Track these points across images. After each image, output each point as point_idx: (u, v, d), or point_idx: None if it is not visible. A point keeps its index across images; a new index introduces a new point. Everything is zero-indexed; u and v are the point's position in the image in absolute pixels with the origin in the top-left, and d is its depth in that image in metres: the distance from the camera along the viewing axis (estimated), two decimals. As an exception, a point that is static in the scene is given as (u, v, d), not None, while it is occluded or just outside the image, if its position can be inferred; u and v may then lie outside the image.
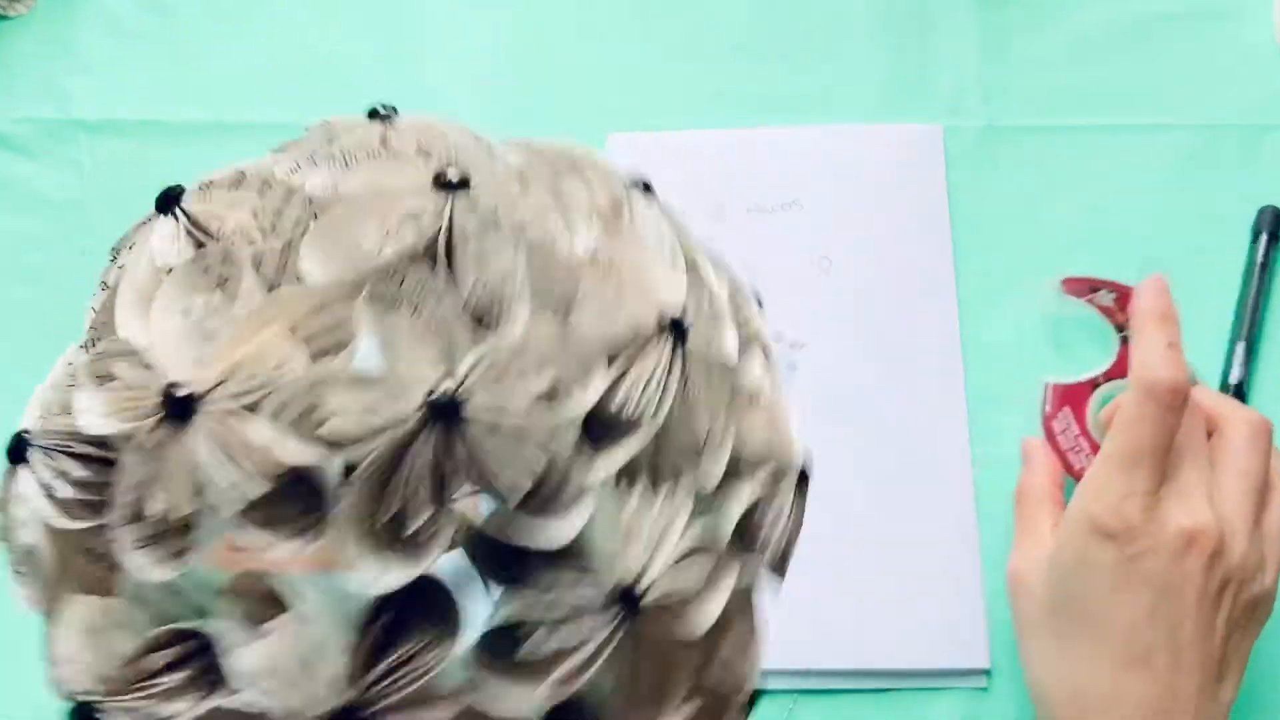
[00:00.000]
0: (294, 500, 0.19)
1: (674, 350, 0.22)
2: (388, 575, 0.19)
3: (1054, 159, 0.58)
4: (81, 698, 0.21)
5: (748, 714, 0.24)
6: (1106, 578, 0.41)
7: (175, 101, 0.59)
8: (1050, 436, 0.51)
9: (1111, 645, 0.41)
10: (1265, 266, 0.54)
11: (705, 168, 0.57)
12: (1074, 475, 0.50)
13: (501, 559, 0.21)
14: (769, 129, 0.58)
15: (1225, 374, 0.53)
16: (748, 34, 0.60)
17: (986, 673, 0.50)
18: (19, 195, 0.57)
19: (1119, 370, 0.51)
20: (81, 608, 0.21)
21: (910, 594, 0.51)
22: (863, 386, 0.54)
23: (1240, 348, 0.53)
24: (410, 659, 0.20)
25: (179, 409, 0.19)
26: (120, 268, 0.24)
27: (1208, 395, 0.46)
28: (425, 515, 0.19)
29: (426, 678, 0.20)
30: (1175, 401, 0.41)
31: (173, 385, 0.20)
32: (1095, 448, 0.50)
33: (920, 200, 0.57)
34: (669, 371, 0.22)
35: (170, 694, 0.20)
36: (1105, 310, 0.52)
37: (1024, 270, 0.56)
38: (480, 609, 0.21)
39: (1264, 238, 0.55)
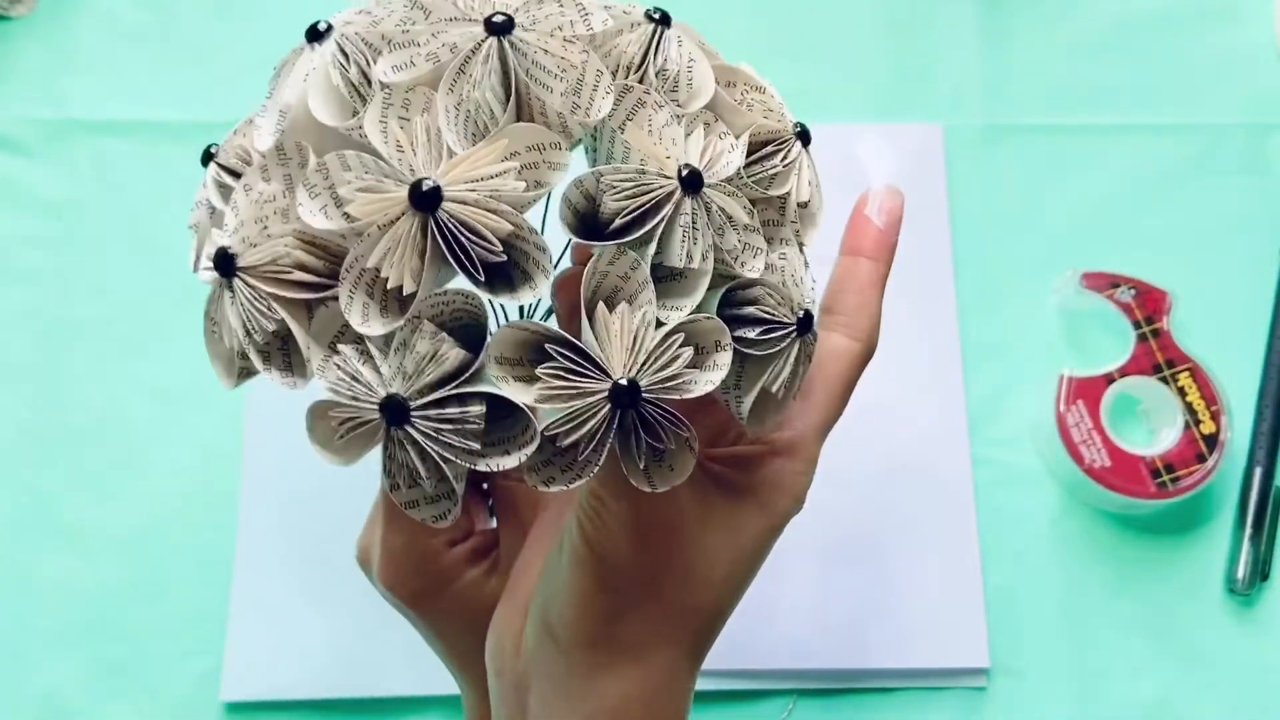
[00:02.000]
0: None
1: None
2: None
3: (1054, 158, 0.58)
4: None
5: None
6: None
7: (174, 102, 0.59)
8: (1063, 429, 0.51)
9: None
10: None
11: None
12: (1084, 469, 0.50)
13: None
14: (769, 129, 0.58)
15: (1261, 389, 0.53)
16: (747, 34, 0.60)
17: (986, 672, 0.50)
18: (18, 195, 0.57)
19: (1135, 366, 0.52)
20: None
21: (910, 594, 0.51)
22: (862, 386, 0.54)
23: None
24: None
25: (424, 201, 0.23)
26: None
27: None
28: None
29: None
30: None
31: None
32: (1108, 442, 0.50)
33: (920, 199, 0.57)
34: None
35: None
36: (1124, 306, 0.53)
37: (1024, 269, 0.56)
38: None
39: None
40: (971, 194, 0.57)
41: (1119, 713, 0.50)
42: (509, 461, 0.24)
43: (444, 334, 0.24)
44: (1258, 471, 0.52)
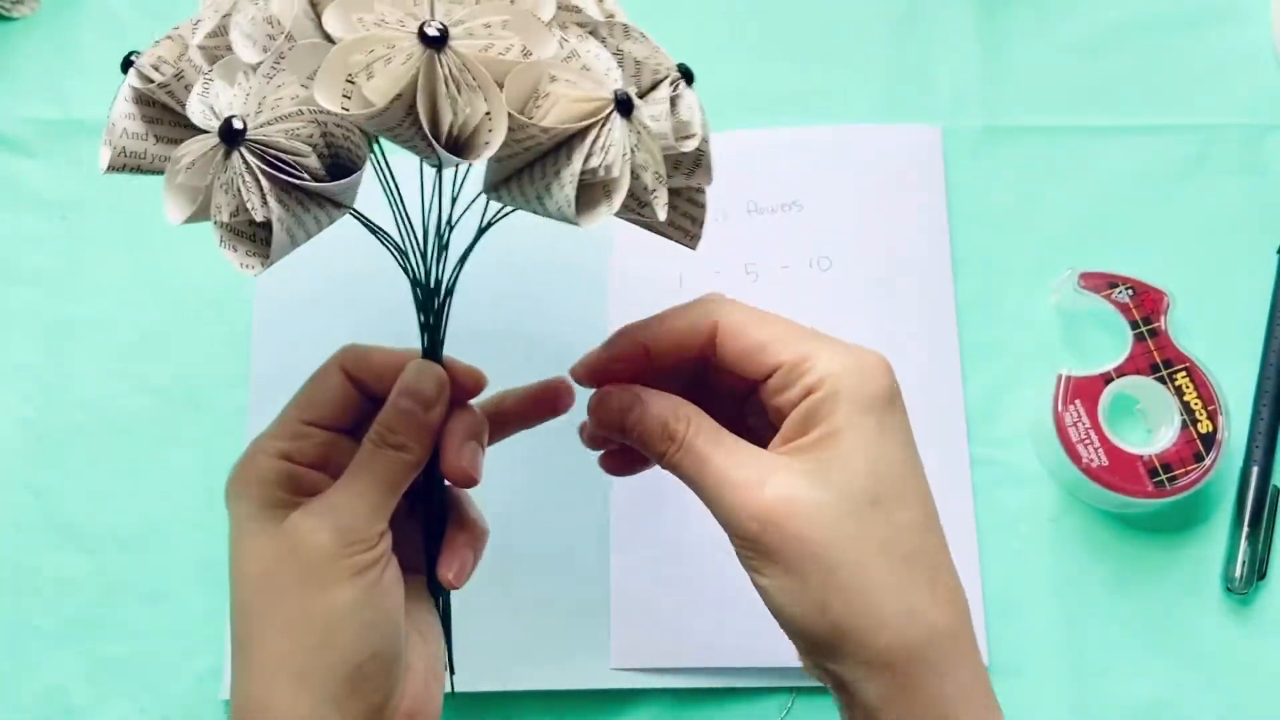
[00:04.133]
0: None
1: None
2: None
3: (1053, 159, 0.58)
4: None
5: None
6: None
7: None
8: (1061, 429, 0.51)
9: None
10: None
11: (705, 168, 0.57)
12: (1082, 468, 0.50)
13: None
14: (769, 129, 0.58)
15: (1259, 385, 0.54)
16: (747, 35, 0.60)
17: (985, 671, 0.51)
18: (19, 195, 0.57)
19: (1132, 366, 0.52)
20: None
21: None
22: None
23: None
24: None
25: None
26: None
27: None
28: None
29: None
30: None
31: None
32: (1105, 442, 0.51)
33: (919, 200, 0.57)
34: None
35: None
36: (1121, 306, 0.53)
37: (1022, 270, 0.56)
38: None
39: None
40: (970, 195, 0.57)
41: (1117, 711, 0.50)
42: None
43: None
44: (1255, 471, 0.52)
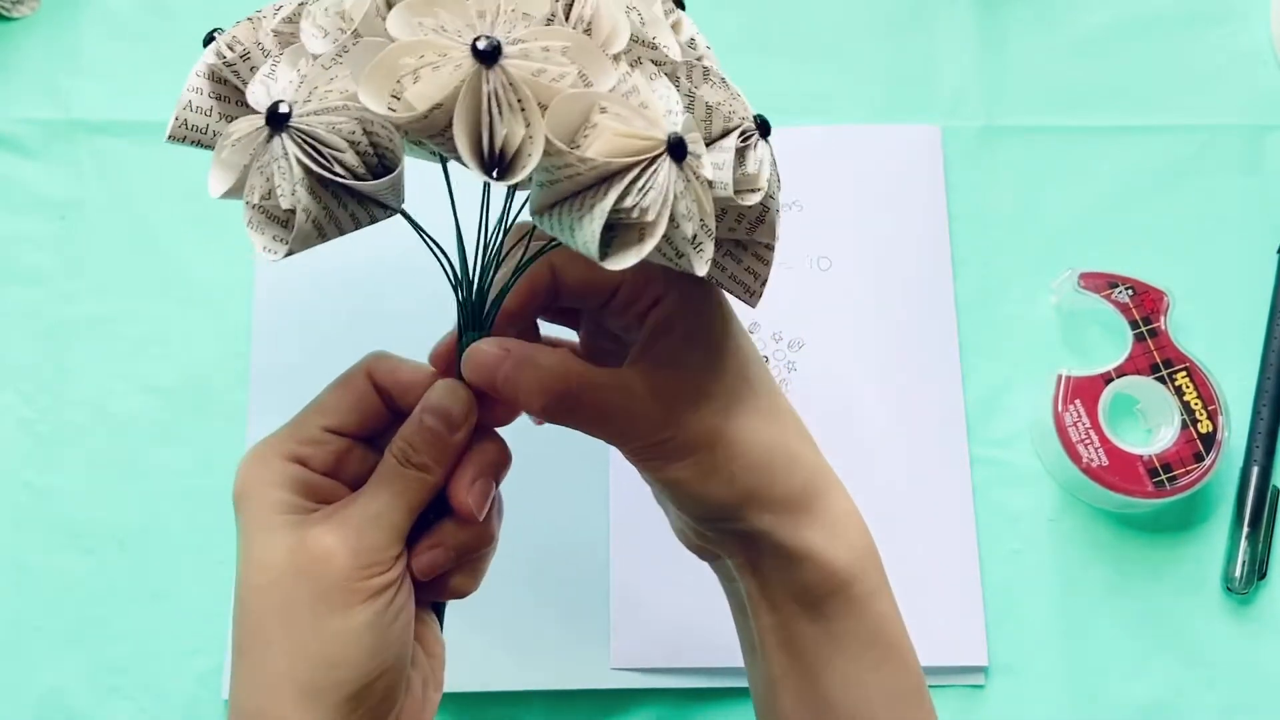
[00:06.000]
0: None
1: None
2: None
3: (1052, 159, 0.58)
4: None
5: None
6: None
7: (175, 102, 0.59)
8: (1061, 428, 0.51)
9: None
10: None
11: (705, 168, 0.57)
12: (1082, 468, 0.50)
13: None
14: (768, 129, 0.58)
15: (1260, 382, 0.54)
16: (747, 34, 0.60)
17: (984, 670, 0.51)
18: (19, 195, 0.57)
19: (1132, 366, 0.52)
20: None
21: (909, 593, 0.51)
22: (861, 386, 0.54)
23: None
24: None
25: None
26: None
27: None
28: None
29: None
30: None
31: None
32: (1106, 441, 0.51)
33: (919, 200, 0.57)
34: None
35: None
36: (1121, 306, 0.53)
37: (1022, 270, 0.56)
38: None
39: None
40: (970, 195, 0.57)
41: (1116, 711, 0.50)
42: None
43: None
44: (1255, 471, 0.52)
